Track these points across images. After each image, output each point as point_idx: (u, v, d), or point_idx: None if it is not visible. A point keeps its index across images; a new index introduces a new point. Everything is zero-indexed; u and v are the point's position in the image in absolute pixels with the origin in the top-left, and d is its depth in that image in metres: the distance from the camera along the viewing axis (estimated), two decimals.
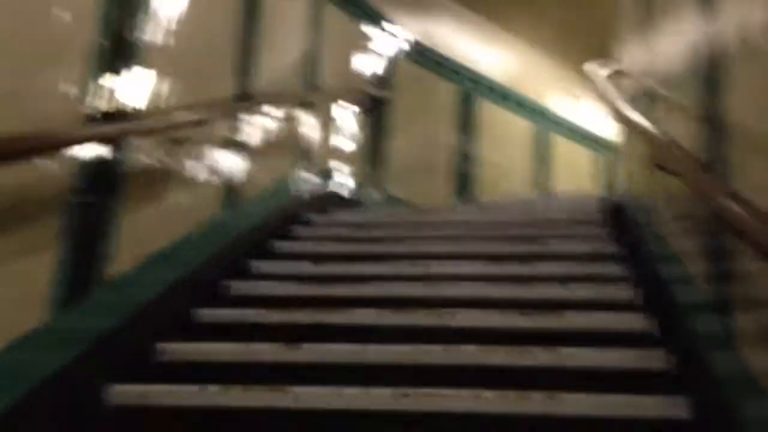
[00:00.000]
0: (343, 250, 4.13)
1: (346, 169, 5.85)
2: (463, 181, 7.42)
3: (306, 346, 2.83)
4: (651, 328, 2.92)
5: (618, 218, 4.51)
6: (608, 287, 3.32)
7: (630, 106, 4.10)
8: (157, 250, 3.23)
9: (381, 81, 6.47)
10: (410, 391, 2.48)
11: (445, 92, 7.54)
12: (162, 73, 3.31)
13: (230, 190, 4.03)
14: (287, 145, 4.95)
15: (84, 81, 2.81)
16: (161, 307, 3.16)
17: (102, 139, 2.86)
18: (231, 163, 4.04)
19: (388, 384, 2.53)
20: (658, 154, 3.19)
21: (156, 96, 3.27)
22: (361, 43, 6.37)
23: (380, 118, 6.45)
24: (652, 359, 2.67)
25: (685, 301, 2.83)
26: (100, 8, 2.91)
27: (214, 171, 3.85)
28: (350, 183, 5.89)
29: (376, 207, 6.06)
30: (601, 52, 6.06)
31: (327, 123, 5.59)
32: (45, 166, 2.54)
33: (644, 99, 4.09)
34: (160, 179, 3.35)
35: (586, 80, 5.50)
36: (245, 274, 3.72)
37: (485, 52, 8.30)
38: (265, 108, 4.50)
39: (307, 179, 5.22)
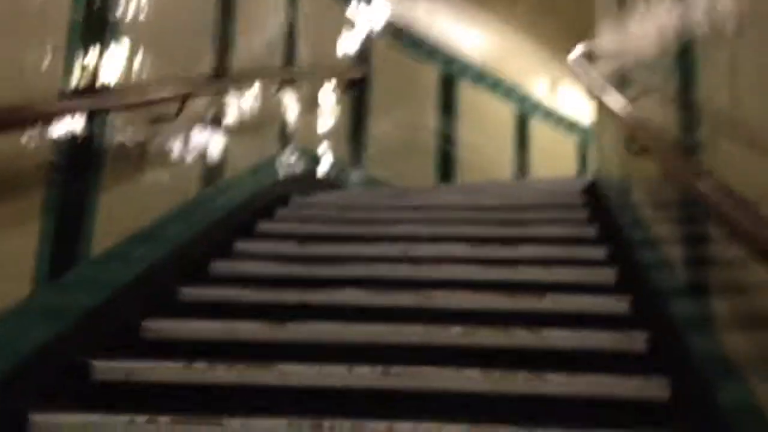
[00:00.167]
0: (325, 231, 4.15)
1: (326, 149, 5.85)
2: (445, 162, 7.44)
3: (291, 325, 2.87)
4: (626, 309, 2.98)
5: (598, 200, 4.55)
6: (588, 269, 3.38)
7: (606, 86, 4.15)
8: (138, 228, 3.24)
9: (359, 59, 6.46)
10: (393, 369, 2.52)
11: (426, 74, 7.54)
12: (140, 48, 3.30)
13: (210, 169, 4.03)
14: (267, 124, 4.94)
15: (62, 56, 2.80)
16: (145, 285, 3.17)
17: (80, 113, 2.85)
18: (211, 141, 4.04)
19: (372, 362, 2.56)
20: (632, 134, 3.25)
21: (134, 72, 3.26)
22: (339, 22, 6.35)
23: (361, 99, 6.44)
24: (630, 340, 2.73)
25: (661, 284, 2.89)
26: None
27: (193, 149, 3.85)
28: (331, 163, 5.89)
29: (358, 188, 6.07)
30: (581, 34, 6.08)
31: (307, 102, 5.58)
32: (24, 140, 2.55)
33: (619, 80, 4.13)
34: (140, 157, 3.35)
35: (566, 63, 5.55)
36: (229, 254, 3.75)
37: (465, 33, 8.29)
38: (244, 85, 4.49)
39: (287, 159, 5.22)
